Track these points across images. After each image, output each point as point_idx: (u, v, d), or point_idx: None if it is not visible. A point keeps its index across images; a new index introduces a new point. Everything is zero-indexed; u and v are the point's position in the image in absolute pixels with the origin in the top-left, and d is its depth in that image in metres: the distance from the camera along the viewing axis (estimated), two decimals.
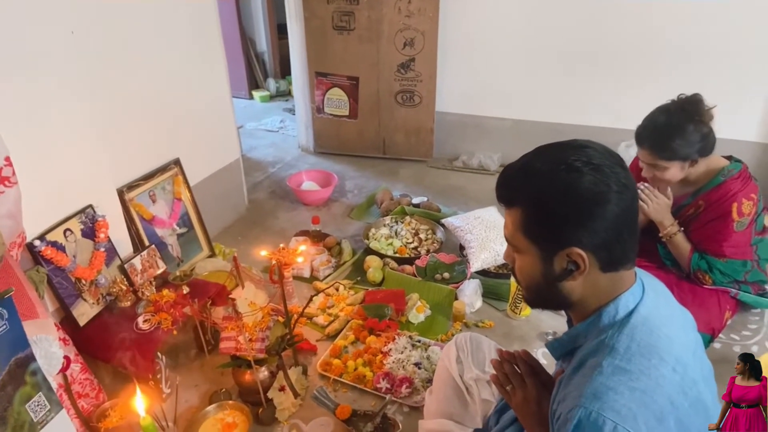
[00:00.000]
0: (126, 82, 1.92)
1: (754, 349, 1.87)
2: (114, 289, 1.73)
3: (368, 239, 2.49)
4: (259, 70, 5.00)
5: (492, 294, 2.15)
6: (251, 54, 4.92)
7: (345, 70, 3.30)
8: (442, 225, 2.53)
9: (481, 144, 3.36)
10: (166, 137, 2.15)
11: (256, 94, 4.87)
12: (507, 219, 0.86)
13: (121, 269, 1.77)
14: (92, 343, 1.63)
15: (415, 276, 2.23)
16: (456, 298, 2.08)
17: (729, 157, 1.81)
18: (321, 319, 2.02)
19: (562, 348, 0.90)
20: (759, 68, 2.66)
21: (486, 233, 2.26)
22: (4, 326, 1.12)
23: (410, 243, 2.48)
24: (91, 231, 1.71)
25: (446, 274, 2.23)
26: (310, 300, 1.77)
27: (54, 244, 1.58)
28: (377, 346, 1.85)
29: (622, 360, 0.76)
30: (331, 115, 3.46)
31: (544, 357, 1.81)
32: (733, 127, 2.74)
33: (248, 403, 1.62)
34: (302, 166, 3.43)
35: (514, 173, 0.84)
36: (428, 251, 2.40)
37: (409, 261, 2.33)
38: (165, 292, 1.76)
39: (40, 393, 1.22)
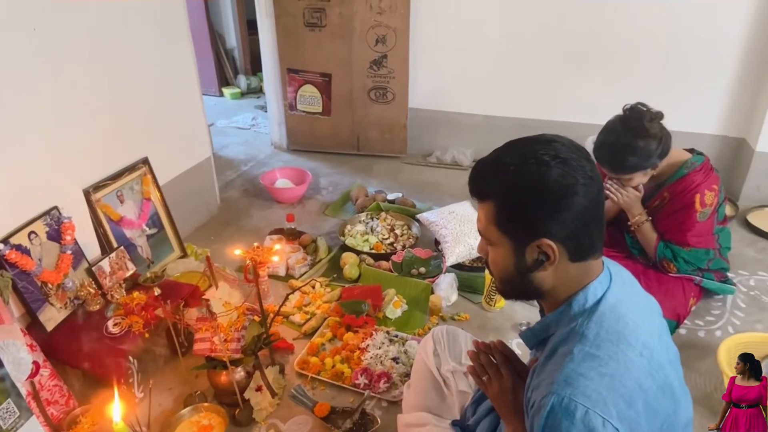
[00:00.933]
0: (91, 79, 1.86)
1: (717, 334, 1.94)
2: (82, 293, 1.68)
3: (344, 236, 2.49)
4: (229, 66, 4.91)
5: (467, 287, 2.18)
6: (221, 50, 4.82)
7: (317, 67, 3.28)
8: (417, 220, 2.54)
9: (454, 139, 3.39)
10: (133, 136, 2.10)
11: (227, 91, 4.79)
12: (480, 213, 0.88)
13: (89, 272, 1.73)
14: (61, 348, 1.58)
15: (392, 272, 2.24)
16: (432, 293, 2.10)
17: (691, 150, 1.88)
18: (297, 318, 2.01)
19: (535, 337, 0.92)
20: (717, 62, 2.76)
21: (460, 227, 2.28)
22: None
23: (386, 239, 2.49)
24: (56, 233, 1.66)
25: (422, 269, 2.25)
26: (286, 298, 1.77)
27: (18, 248, 1.53)
28: (355, 342, 1.85)
29: (592, 346, 0.79)
30: (304, 112, 3.43)
31: (518, 347, 1.85)
32: (695, 120, 2.83)
33: (224, 405, 1.60)
34: (275, 163, 3.39)
35: (485, 168, 0.86)
36: (404, 247, 2.42)
37: (386, 257, 2.34)
38: (135, 294, 1.72)
39: (9, 399, 1.19)
